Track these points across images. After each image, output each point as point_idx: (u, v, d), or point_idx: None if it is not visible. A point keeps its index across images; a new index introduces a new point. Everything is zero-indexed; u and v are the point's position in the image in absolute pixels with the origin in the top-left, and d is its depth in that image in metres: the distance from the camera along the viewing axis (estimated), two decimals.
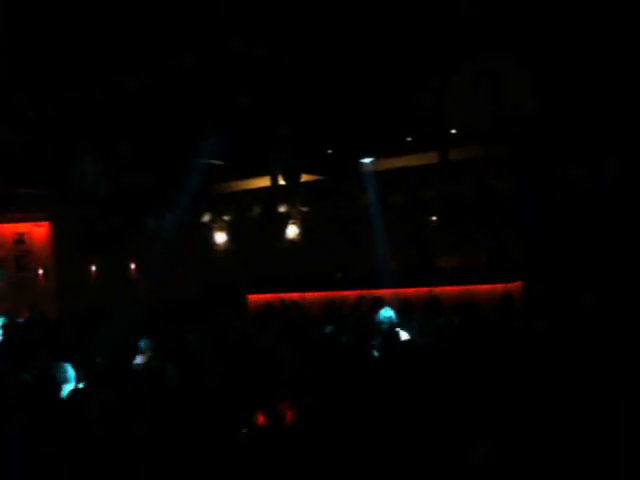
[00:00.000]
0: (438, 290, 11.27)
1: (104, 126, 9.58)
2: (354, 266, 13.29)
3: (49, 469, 4.50)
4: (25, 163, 11.12)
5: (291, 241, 15.25)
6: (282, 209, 15.31)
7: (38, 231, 15.12)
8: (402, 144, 12.43)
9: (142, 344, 7.36)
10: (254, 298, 13.46)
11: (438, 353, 6.26)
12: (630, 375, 5.03)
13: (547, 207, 12.02)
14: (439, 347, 6.44)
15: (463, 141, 11.88)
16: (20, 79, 7.44)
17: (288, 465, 4.51)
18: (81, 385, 5.88)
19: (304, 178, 12.78)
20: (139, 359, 7.16)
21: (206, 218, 16.14)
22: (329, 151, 12.82)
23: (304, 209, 15.28)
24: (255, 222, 15.52)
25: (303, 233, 15.22)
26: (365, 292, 11.23)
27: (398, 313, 7.88)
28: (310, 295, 12.52)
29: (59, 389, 5.47)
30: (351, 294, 11.60)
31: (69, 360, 6.19)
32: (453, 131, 11.26)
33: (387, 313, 7.58)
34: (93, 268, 15.37)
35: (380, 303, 9.13)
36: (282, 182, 13.44)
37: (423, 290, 11.33)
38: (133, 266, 15.83)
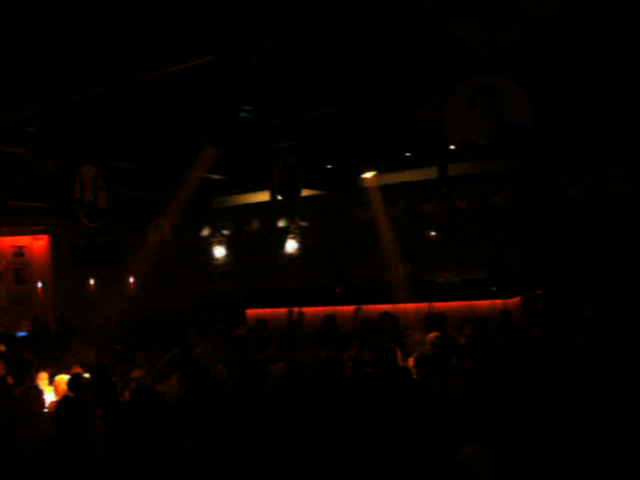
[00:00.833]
0: (438, 305, 11.26)
1: (104, 140, 9.60)
2: (353, 281, 13.27)
3: None
4: (25, 176, 11.13)
5: (290, 256, 15.26)
6: (281, 224, 15.34)
7: (37, 244, 15.12)
8: (401, 160, 12.47)
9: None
10: (253, 313, 13.42)
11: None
12: (630, 387, 5.03)
13: (547, 222, 12.04)
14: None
15: (462, 156, 11.91)
16: (21, 92, 7.47)
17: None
18: None
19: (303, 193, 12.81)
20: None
21: (205, 232, 16.16)
22: (328, 166, 12.85)
23: (303, 224, 15.30)
24: (254, 236, 15.54)
25: (302, 248, 15.24)
26: (364, 307, 11.21)
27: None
28: (309, 310, 12.49)
29: None
30: (351, 309, 11.57)
31: None
32: (452, 147, 11.29)
33: None
34: (92, 282, 15.36)
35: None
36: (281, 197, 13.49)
37: (423, 305, 11.31)
38: (132, 280, 15.81)
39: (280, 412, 5.28)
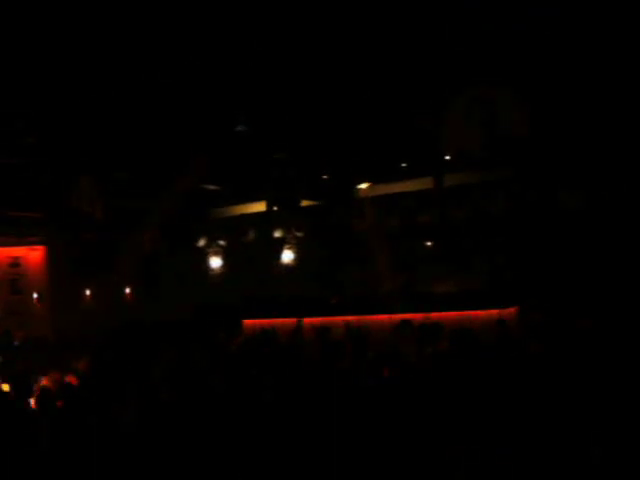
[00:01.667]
0: (433, 316, 11.24)
1: (101, 150, 9.63)
2: (349, 291, 13.27)
3: None
4: (21, 187, 11.15)
5: (286, 266, 15.27)
6: (277, 234, 15.35)
7: (33, 255, 15.09)
8: (397, 170, 12.53)
9: None
10: (250, 323, 13.39)
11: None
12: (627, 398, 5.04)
13: (542, 232, 12.07)
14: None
15: (458, 167, 11.96)
16: (18, 103, 7.50)
17: None
18: None
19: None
20: None
21: (201, 243, 16.17)
22: (324, 177, 12.90)
23: (299, 234, 15.32)
24: (250, 247, 15.55)
25: (298, 258, 15.25)
26: (360, 318, 11.18)
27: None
28: (305, 320, 12.46)
29: None
30: (346, 319, 11.55)
31: None
32: (447, 157, 11.35)
33: None
34: (87, 292, 15.34)
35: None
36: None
37: (418, 316, 11.29)
38: (128, 290, 15.81)
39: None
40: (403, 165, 12.13)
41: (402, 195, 13.62)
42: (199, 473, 4.79)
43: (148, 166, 10.92)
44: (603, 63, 7.26)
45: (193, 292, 15.12)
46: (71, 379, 7.51)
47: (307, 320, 11.43)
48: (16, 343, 12.10)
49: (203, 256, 16.17)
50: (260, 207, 15.24)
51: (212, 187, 13.23)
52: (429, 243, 13.97)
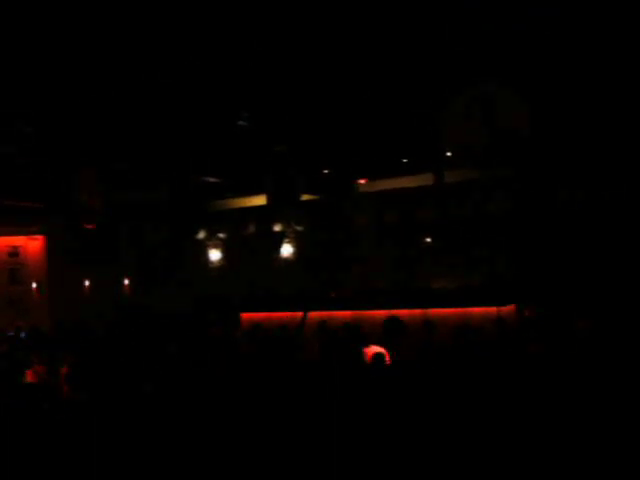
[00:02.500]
0: (432, 312, 11.25)
1: (102, 142, 9.63)
2: (349, 286, 13.28)
3: None
4: (22, 176, 11.14)
5: (286, 260, 15.28)
6: (277, 228, 15.36)
7: (33, 244, 15.09)
8: (398, 166, 12.53)
9: None
10: (247, 316, 13.41)
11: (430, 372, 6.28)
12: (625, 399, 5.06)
13: (541, 230, 12.09)
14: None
15: (458, 163, 11.96)
16: (19, 94, 7.49)
17: None
18: None
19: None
20: None
21: (201, 235, 16.18)
22: (325, 171, 12.91)
23: (299, 228, 15.33)
24: (250, 240, 15.56)
25: (298, 252, 15.26)
26: (358, 313, 11.21)
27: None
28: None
29: None
30: (345, 314, 11.57)
31: None
32: (448, 154, 11.35)
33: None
34: (87, 283, 15.35)
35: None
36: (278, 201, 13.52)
37: (417, 312, 11.30)
38: (127, 282, 15.82)
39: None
40: (404, 161, 12.13)
41: (402, 191, 13.62)
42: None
43: (148, 158, 10.92)
44: (603, 63, 7.27)
45: (193, 284, 15.14)
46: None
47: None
48: (22, 335, 12.10)
49: (203, 248, 16.18)
50: (260, 200, 15.25)
51: (212, 179, 13.22)
52: (428, 239, 13.97)
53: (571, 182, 12.07)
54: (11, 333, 12.16)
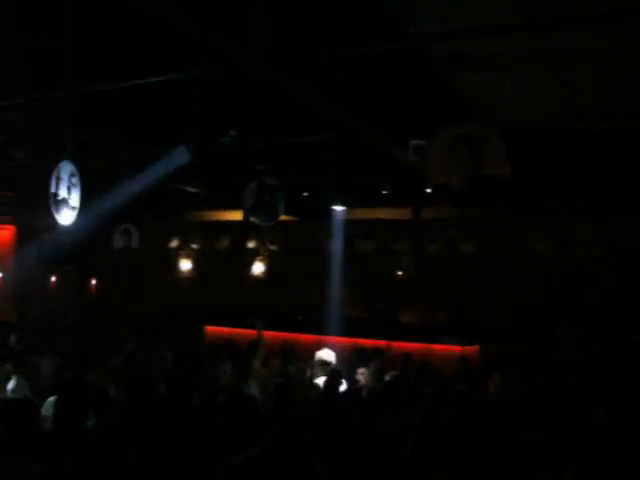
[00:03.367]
0: (396, 344, 11.29)
1: (84, 139, 9.53)
2: (316, 310, 13.27)
3: None
4: None
5: (256, 277, 15.25)
6: (251, 244, 15.35)
7: (3, 234, 14.88)
8: (377, 196, 12.58)
9: None
10: (212, 330, 13.32)
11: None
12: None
13: (512, 274, 12.27)
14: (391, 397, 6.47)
15: (437, 200, 12.07)
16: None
17: None
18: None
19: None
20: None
21: (174, 244, 16.09)
22: (304, 194, 12.92)
23: (273, 247, 15.33)
24: (223, 254, 15.52)
25: (269, 271, 15.25)
26: (322, 338, 11.19)
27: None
28: (268, 333, 12.42)
29: None
30: (309, 338, 11.57)
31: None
32: (428, 190, 11.44)
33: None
34: (53, 278, 15.15)
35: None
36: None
37: (381, 343, 11.33)
38: (94, 282, 15.65)
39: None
40: (384, 192, 12.19)
41: (380, 221, 13.75)
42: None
43: (127, 160, 10.81)
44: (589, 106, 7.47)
45: (161, 292, 15.02)
46: None
47: (271, 334, 11.41)
48: None
49: (174, 257, 16.08)
50: (237, 215, 15.22)
51: (190, 189, 13.14)
52: (400, 272, 14.07)
53: (544, 226, 12.36)
54: None
